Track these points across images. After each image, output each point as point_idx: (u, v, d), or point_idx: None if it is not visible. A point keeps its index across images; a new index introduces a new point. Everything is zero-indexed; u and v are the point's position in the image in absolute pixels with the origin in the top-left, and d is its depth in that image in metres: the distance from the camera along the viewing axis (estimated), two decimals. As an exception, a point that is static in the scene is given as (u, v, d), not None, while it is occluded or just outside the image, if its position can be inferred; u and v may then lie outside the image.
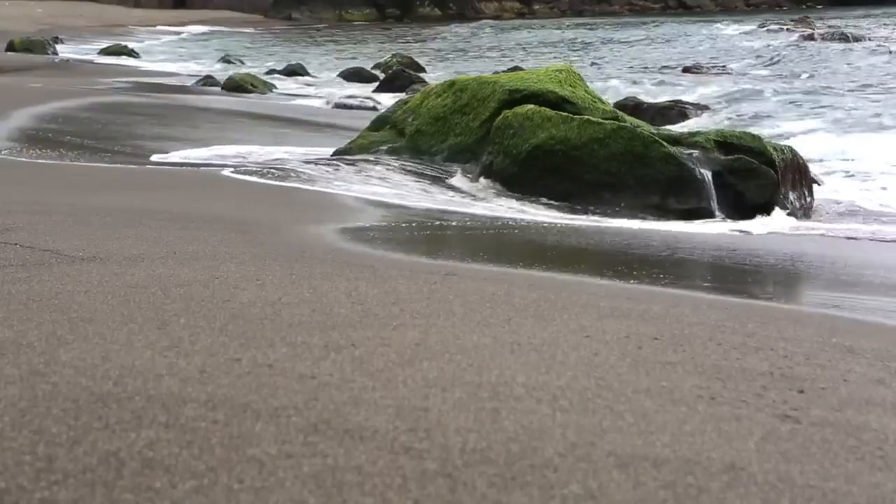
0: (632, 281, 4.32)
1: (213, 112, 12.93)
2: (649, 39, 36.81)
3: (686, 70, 22.82)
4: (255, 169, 7.45)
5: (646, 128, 7.63)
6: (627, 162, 7.18)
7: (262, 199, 6.16)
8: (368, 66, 23.85)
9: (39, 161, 7.48)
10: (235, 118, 12.54)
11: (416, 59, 25.00)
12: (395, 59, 23.97)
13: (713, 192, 7.16)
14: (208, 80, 18.67)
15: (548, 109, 7.58)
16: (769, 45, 27.44)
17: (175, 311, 2.88)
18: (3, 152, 7.75)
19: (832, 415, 2.33)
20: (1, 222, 4.20)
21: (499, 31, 47.36)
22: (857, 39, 28.15)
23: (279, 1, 68.08)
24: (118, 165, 7.65)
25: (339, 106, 15.47)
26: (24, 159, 7.52)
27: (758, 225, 6.82)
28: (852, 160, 10.14)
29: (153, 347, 2.49)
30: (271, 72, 22.40)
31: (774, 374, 2.62)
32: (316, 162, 8.04)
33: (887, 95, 16.31)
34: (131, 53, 27.80)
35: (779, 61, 23.88)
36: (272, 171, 7.33)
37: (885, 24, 37.01)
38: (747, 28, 36.64)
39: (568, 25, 49.95)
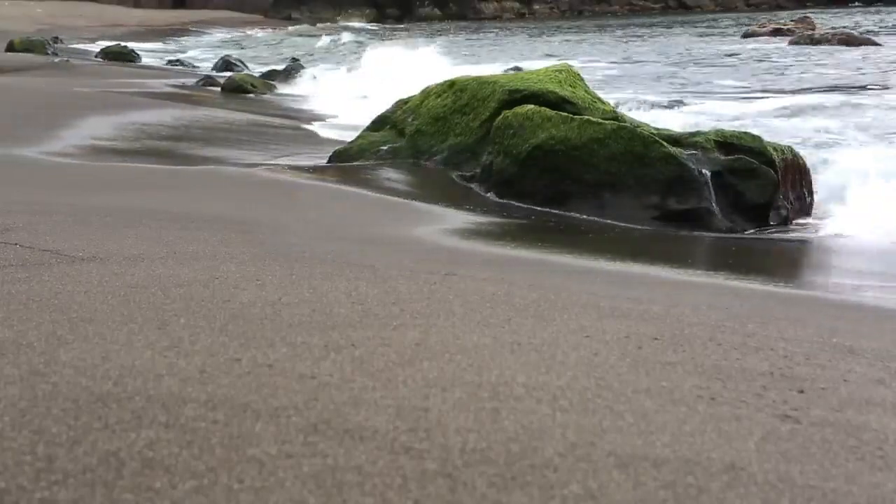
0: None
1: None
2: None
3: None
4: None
5: (646, 128, 7.62)
6: (627, 162, 7.17)
7: (264, 198, 6.15)
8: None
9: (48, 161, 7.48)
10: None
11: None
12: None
13: (713, 192, 7.16)
14: (208, 81, 18.65)
15: (548, 109, 7.57)
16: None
17: (175, 311, 2.88)
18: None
19: (832, 415, 2.33)
20: (1, 222, 4.20)
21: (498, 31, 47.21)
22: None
23: (279, 1, 68.16)
24: (118, 165, 7.65)
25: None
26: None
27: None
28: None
29: (153, 347, 2.49)
30: (272, 72, 22.38)
31: (774, 374, 2.62)
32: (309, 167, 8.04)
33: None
34: (130, 54, 27.79)
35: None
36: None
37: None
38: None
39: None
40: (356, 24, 56.39)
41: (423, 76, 10.94)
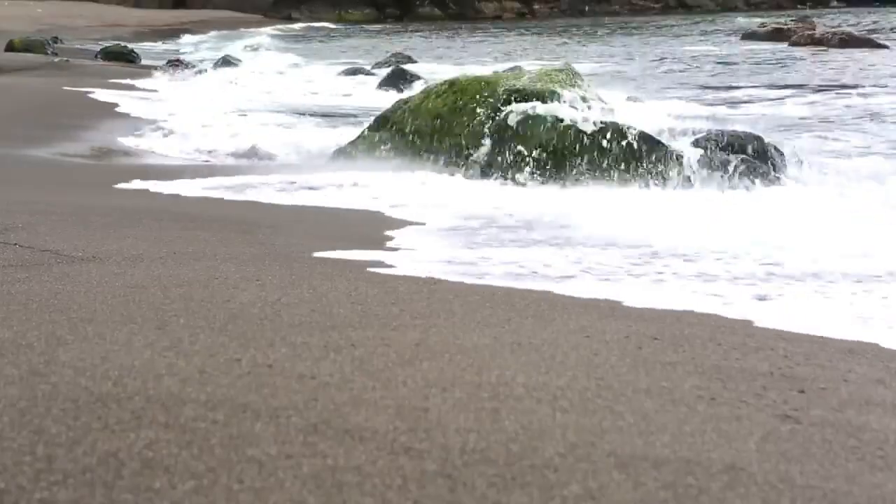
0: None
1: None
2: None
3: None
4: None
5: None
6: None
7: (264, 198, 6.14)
8: (368, 64, 23.84)
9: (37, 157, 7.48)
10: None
11: (414, 57, 24.92)
12: (394, 58, 23.94)
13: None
14: (207, 81, 18.65)
15: (548, 110, 7.57)
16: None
17: (175, 311, 2.88)
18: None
19: (832, 415, 2.33)
20: (1, 222, 4.20)
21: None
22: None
23: (279, 1, 68.18)
24: (117, 163, 7.64)
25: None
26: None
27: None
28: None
29: (153, 347, 2.49)
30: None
31: (774, 374, 2.62)
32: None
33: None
34: (130, 54, 27.78)
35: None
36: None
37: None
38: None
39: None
40: (330, 25, 56.39)
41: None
